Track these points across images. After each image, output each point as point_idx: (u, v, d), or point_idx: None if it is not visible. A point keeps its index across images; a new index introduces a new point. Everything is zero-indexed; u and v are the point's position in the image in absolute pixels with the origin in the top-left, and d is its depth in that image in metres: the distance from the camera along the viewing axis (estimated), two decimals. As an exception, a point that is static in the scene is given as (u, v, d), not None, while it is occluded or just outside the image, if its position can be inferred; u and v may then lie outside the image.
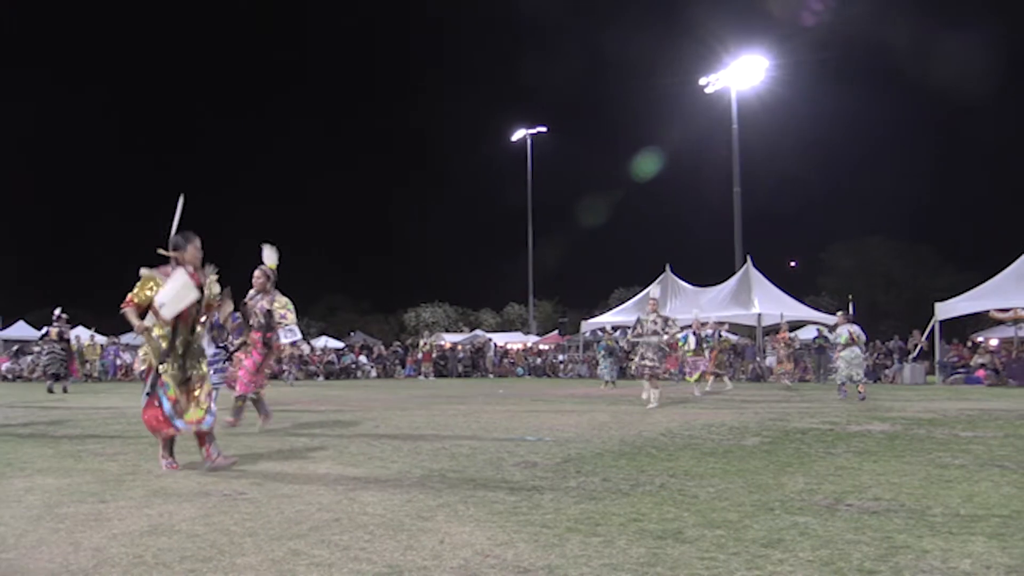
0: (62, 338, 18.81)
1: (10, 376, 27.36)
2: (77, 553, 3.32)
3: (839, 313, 15.98)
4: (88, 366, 27.82)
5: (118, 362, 29.18)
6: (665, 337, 12.39)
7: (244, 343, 8.61)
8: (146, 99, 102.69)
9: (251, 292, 8.44)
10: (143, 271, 5.66)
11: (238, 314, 8.29)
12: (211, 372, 12.50)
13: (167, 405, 5.58)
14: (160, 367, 5.62)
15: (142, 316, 5.66)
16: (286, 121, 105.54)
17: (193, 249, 5.76)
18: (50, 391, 17.55)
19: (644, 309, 13.42)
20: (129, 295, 5.64)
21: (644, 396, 12.78)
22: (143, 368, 5.86)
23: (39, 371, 22.99)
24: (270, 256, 8.57)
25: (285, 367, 22.50)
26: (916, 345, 25.02)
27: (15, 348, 31.23)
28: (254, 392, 8.37)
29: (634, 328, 13.03)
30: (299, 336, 8.35)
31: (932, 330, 23.97)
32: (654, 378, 12.37)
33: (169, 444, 5.74)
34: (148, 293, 5.59)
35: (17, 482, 5.10)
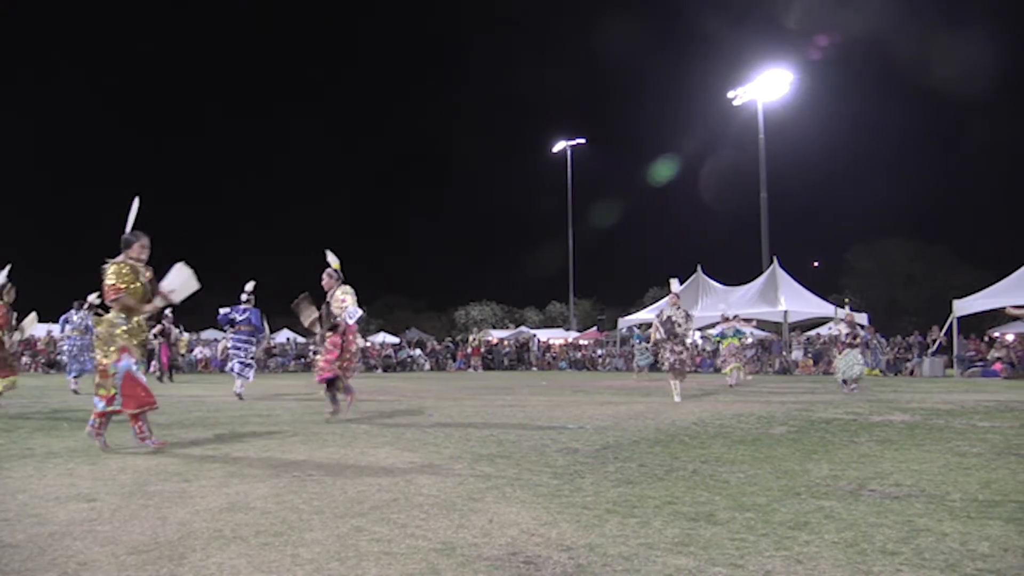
0: (166, 334, 19.89)
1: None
2: (164, 527, 3.40)
3: (844, 312, 15.53)
4: (179, 359, 28.49)
5: (198, 355, 29.78)
6: (690, 330, 12.05)
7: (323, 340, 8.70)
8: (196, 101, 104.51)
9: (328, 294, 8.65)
10: (112, 263, 5.89)
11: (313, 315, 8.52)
12: (235, 362, 12.86)
13: (144, 380, 5.94)
14: (133, 349, 5.91)
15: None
16: (341, 127, 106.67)
17: (139, 247, 6.03)
18: (159, 380, 18.79)
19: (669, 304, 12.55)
20: (111, 286, 5.81)
21: (675, 393, 11.91)
22: (114, 352, 5.92)
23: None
24: (333, 258, 8.76)
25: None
26: (935, 340, 24.46)
27: None
28: (332, 375, 8.40)
29: (666, 323, 12.17)
30: (359, 313, 8.34)
31: (950, 326, 23.41)
32: (681, 372, 11.97)
33: (147, 421, 5.98)
34: (133, 284, 5.85)
35: (111, 463, 5.24)
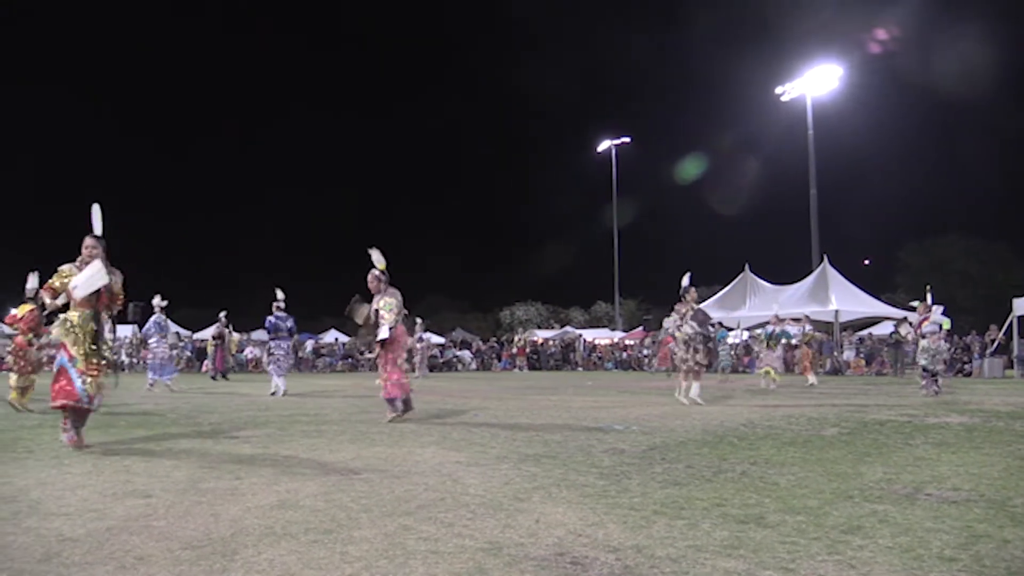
0: (221, 336, 21.71)
1: (174, 370, 28.74)
2: (217, 523, 3.46)
3: (921, 304, 14.22)
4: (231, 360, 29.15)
5: (249, 356, 30.36)
6: (708, 329, 11.29)
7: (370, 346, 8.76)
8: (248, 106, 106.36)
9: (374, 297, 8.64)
10: (63, 266, 6.27)
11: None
12: (271, 366, 13.45)
13: (77, 380, 6.04)
14: (71, 344, 6.12)
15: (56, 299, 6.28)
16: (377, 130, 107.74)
17: (83, 248, 6.30)
18: (213, 379, 20.84)
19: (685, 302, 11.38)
20: (47, 283, 6.27)
21: (683, 395, 11.07)
22: (51, 346, 6.30)
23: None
24: (379, 259, 8.68)
25: (417, 359, 22.99)
26: (994, 340, 23.71)
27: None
28: (390, 396, 8.48)
29: (692, 319, 11.16)
30: (386, 334, 8.33)
31: (1010, 325, 22.67)
32: (697, 373, 11.08)
33: (77, 419, 6.07)
34: (65, 281, 6.18)
35: (166, 460, 5.36)
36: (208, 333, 31.73)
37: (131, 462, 5.26)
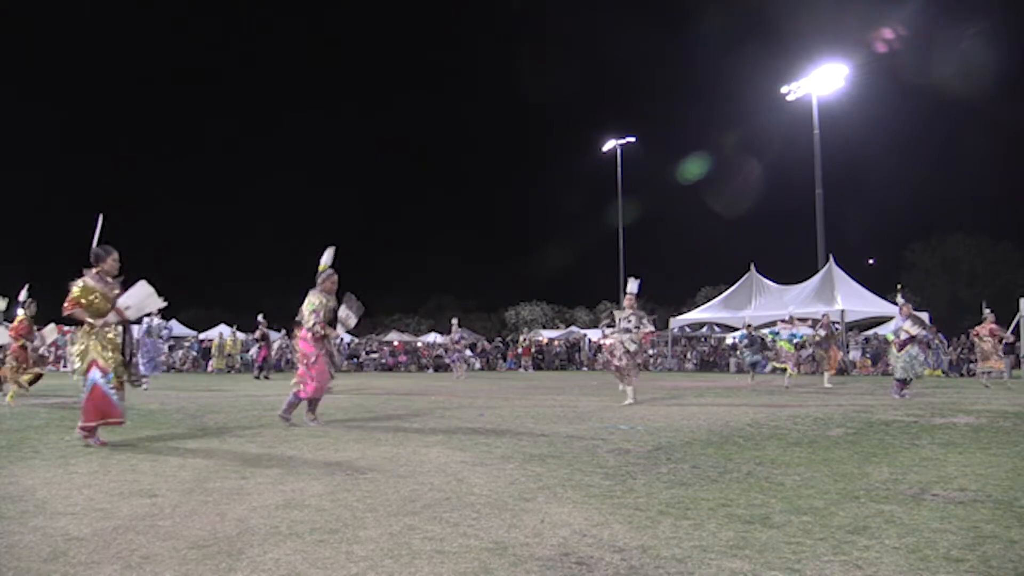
0: (265, 337, 22.73)
1: (164, 367, 28.81)
2: (223, 522, 3.47)
3: (905, 305, 13.53)
4: (230, 359, 29.21)
5: (254, 356, 30.33)
6: (638, 333, 11.11)
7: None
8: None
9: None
10: (79, 281, 6.14)
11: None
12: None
13: (113, 397, 6.10)
14: (107, 360, 6.10)
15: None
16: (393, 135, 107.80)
17: (112, 260, 6.29)
18: (256, 378, 21.70)
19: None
20: (71, 299, 6.07)
21: (621, 390, 11.44)
22: (78, 363, 6.19)
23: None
24: (328, 257, 8.21)
25: (454, 361, 23.06)
26: (1001, 340, 23.58)
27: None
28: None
29: (613, 323, 11.48)
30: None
31: (1017, 325, 22.58)
32: (622, 374, 11.22)
33: (103, 428, 6.15)
34: (92, 299, 6.10)
35: (172, 460, 5.38)
36: (212, 333, 31.94)
37: (137, 461, 5.27)
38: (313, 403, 7.99)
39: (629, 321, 11.18)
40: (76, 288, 6.11)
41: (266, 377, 21.89)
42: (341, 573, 2.74)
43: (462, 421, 8.34)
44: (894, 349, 13.15)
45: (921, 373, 13.21)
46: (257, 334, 22.76)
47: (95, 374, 6.07)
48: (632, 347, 11.11)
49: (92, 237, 6.42)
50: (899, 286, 15.85)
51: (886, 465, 5.18)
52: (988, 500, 4.00)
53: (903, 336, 12.87)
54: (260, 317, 22.38)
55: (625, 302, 11.45)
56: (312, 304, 7.90)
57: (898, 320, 13.30)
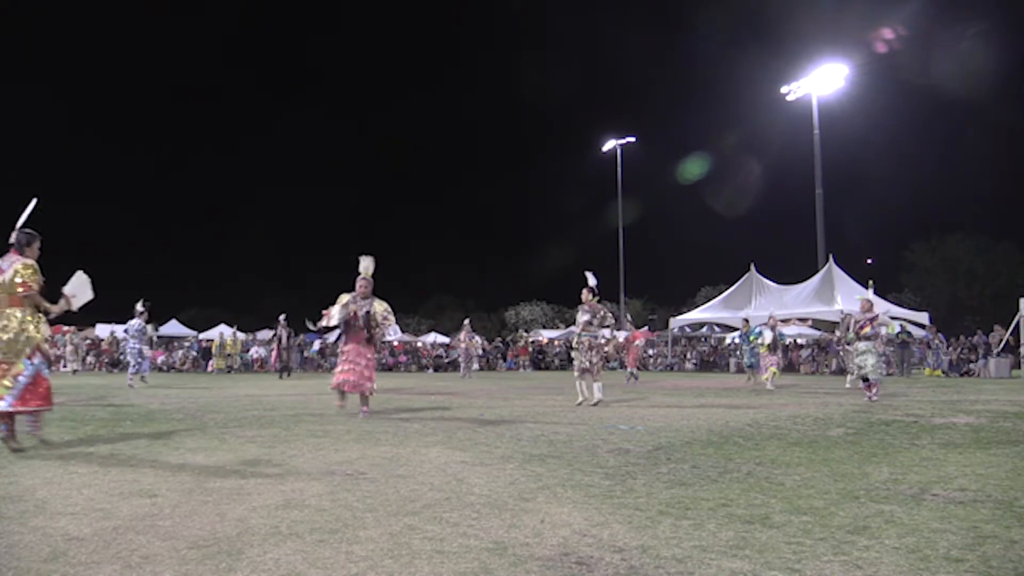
0: (285, 337, 23.04)
1: (164, 367, 28.87)
2: (223, 522, 3.47)
3: (864, 300, 12.60)
4: (230, 359, 29.24)
5: (254, 355, 30.40)
6: (602, 332, 10.87)
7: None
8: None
9: (354, 295, 9.04)
10: (28, 261, 5.95)
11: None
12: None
13: (49, 381, 6.08)
14: (44, 349, 6.05)
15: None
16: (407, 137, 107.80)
17: (37, 246, 6.13)
18: (281, 378, 21.92)
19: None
20: (29, 283, 5.87)
21: (581, 396, 10.88)
22: (29, 349, 5.98)
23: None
24: (367, 265, 9.13)
25: (462, 361, 23.66)
26: (1000, 340, 23.62)
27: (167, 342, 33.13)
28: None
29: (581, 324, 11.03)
30: (398, 333, 8.97)
31: (1017, 325, 22.58)
32: (588, 373, 10.83)
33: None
34: (37, 280, 5.95)
35: (171, 460, 5.37)
36: (212, 333, 31.95)
37: (137, 461, 5.27)
38: (364, 398, 9.08)
39: (586, 315, 10.91)
40: (31, 269, 5.89)
41: (288, 376, 22.41)
42: (341, 573, 2.74)
43: (462, 421, 8.34)
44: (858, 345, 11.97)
45: (880, 375, 12.20)
46: (272, 335, 23.18)
47: (39, 360, 5.98)
48: (598, 341, 10.86)
49: (19, 217, 6.14)
50: (871, 281, 15.65)
51: (886, 465, 5.18)
52: (988, 500, 4.00)
53: (882, 331, 12.22)
54: (281, 317, 22.60)
55: (583, 297, 11.18)
56: (340, 300, 8.98)
57: (857, 314, 12.42)
